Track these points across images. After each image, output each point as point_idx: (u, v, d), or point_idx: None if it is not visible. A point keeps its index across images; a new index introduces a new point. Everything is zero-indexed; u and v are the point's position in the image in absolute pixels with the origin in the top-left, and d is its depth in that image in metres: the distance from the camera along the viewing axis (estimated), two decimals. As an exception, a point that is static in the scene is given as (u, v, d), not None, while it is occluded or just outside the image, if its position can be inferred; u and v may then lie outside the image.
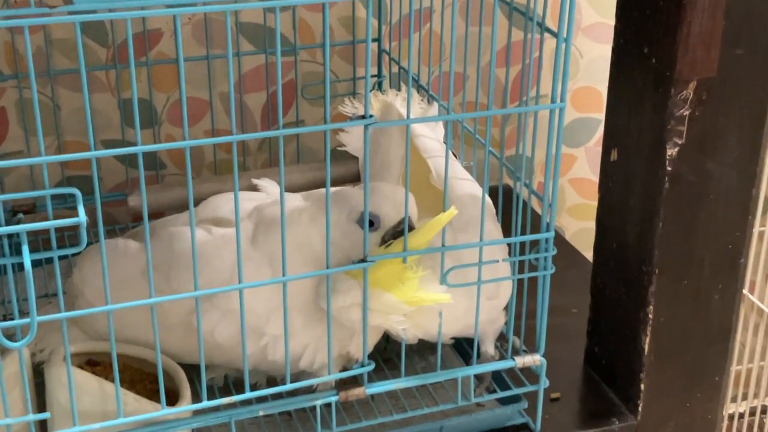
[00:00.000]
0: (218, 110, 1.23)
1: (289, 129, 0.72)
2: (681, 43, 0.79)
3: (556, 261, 0.84)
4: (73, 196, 0.65)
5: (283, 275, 0.76)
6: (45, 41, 1.11)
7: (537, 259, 0.84)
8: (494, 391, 0.91)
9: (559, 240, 0.84)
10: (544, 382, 0.88)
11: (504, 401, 0.91)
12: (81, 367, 0.83)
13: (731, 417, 1.51)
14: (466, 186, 0.92)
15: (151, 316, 0.74)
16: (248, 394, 0.79)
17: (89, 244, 0.86)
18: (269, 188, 0.96)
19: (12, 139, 1.18)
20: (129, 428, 0.78)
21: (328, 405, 0.83)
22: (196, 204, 0.89)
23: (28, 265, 0.66)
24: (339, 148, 1.04)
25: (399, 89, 1.10)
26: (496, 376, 0.92)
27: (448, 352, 0.98)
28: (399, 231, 0.80)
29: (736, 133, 0.85)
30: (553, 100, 0.77)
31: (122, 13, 0.63)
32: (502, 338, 0.94)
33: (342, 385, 0.83)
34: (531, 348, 0.89)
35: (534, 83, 1.23)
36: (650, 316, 0.89)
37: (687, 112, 0.82)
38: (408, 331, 0.84)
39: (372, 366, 0.82)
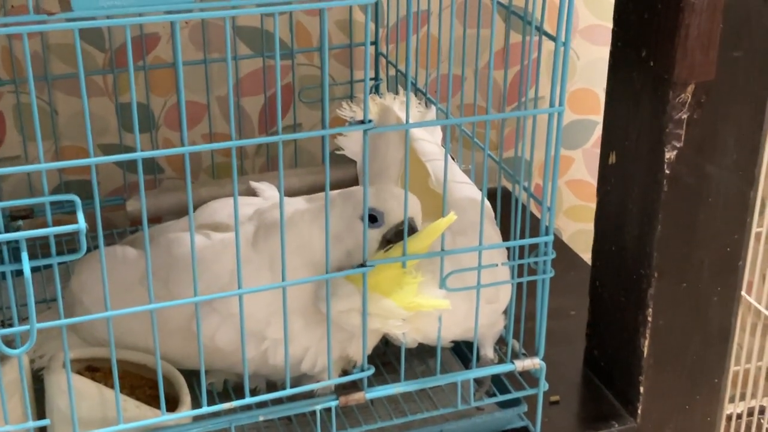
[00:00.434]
0: (215, 114, 1.22)
1: (289, 134, 0.72)
2: (679, 46, 0.80)
3: (553, 264, 0.84)
4: (69, 201, 0.65)
5: (283, 280, 0.76)
6: (42, 46, 1.11)
7: (536, 263, 0.84)
8: (494, 395, 0.91)
9: (557, 242, 0.84)
10: (544, 386, 0.88)
11: (503, 405, 0.91)
12: (80, 373, 0.83)
13: (729, 418, 1.51)
14: (465, 190, 0.92)
15: (150, 322, 0.74)
16: (248, 400, 0.79)
17: (87, 250, 0.86)
18: (267, 192, 0.96)
19: (9, 144, 1.17)
20: (129, 434, 0.77)
21: (328, 410, 0.83)
22: (194, 209, 0.88)
23: (27, 272, 0.66)
24: (337, 152, 1.04)
25: (396, 92, 1.10)
26: (496, 379, 0.92)
27: (448, 355, 0.98)
28: (401, 230, 0.80)
29: (735, 136, 0.85)
30: (552, 104, 0.78)
31: (121, 20, 0.63)
32: (501, 342, 0.94)
33: (342, 389, 0.83)
34: (530, 351, 0.89)
35: (532, 86, 1.23)
36: (649, 318, 0.89)
37: (685, 115, 0.82)
38: (407, 335, 0.84)
39: (372, 370, 0.82)
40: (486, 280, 0.83)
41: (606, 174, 0.93)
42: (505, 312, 0.91)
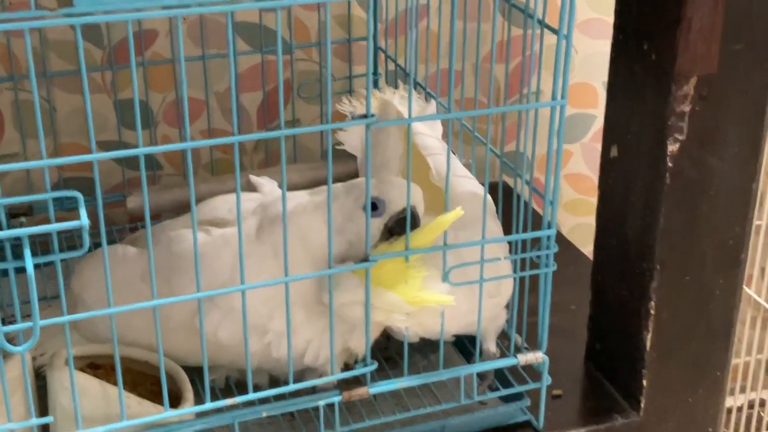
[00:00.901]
0: (214, 110, 1.22)
1: (291, 129, 0.72)
2: (682, 39, 0.79)
3: (554, 258, 0.84)
4: (69, 198, 0.65)
5: (286, 275, 0.76)
6: (41, 43, 1.11)
7: (538, 257, 0.84)
8: (497, 389, 0.91)
9: (557, 236, 0.84)
10: (547, 379, 0.88)
11: (506, 399, 0.91)
12: (82, 370, 0.82)
13: (728, 410, 1.51)
14: (467, 184, 0.92)
15: (151, 318, 0.74)
16: (251, 395, 0.79)
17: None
18: (267, 186, 0.95)
19: (8, 141, 1.17)
20: (132, 431, 0.77)
21: (331, 405, 0.83)
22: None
23: (30, 269, 0.65)
24: (337, 147, 1.04)
25: (396, 86, 1.09)
26: (498, 373, 0.92)
27: (450, 350, 0.98)
28: (403, 219, 0.79)
29: (737, 129, 0.85)
30: (554, 97, 0.77)
31: (123, 15, 0.63)
32: (502, 336, 0.94)
33: (345, 385, 0.83)
34: (532, 345, 0.89)
35: (533, 79, 1.23)
36: (652, 312, 0.89)
37: (687, 108, 0.82)
38: (410, 329, 0.84)
39: (375, 366, 0.82)
40: (488, 275, 0.83)
41: (607, 167, 0.93)
42: (507, 306, 0.91)
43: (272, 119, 1.24)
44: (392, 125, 0.93)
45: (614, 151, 0.91)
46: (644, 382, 0.92)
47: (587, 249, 1.19)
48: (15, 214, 0.99)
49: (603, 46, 1.33)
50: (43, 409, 0.80)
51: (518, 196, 0.84)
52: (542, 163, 0.91)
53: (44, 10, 0.62)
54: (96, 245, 0.74)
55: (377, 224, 0.81)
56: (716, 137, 0.84)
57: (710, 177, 0.86)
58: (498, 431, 0.90)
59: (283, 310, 0.77)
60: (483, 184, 0.84)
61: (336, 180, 1.00)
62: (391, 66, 1.14)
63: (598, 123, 1.39)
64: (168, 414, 0.77)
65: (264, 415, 0.81)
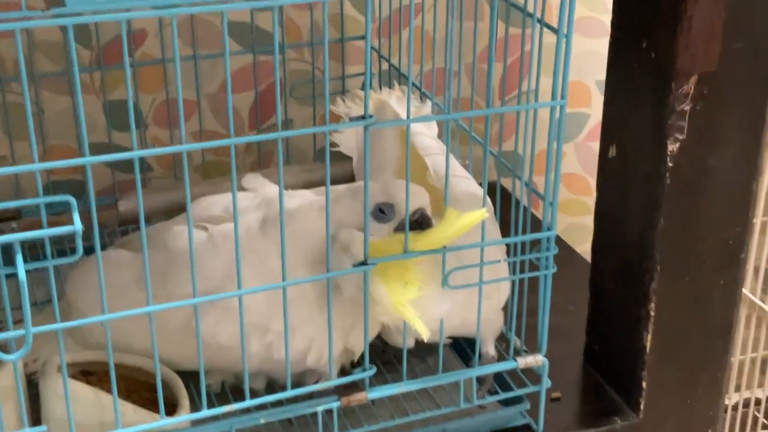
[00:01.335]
0: (204, 111, 1.21)
1: (289, 131, 0.70)
2: (682, 37, 0.78)
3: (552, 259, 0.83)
4: (61, 202, 0.64)
5: (283, 280, 0.75)
6: (29, 43, 1.09)
7: (537, 259, 0.83)
8: (496, 393, 0.90)
9: (555, 238, 0.83)
10: (546, 383, 0.87)
11: (506, 403, 0.90)
12: (75, 377, 0.81)
13: (724, 409, 1.51)
14: (465, 184, 0.91)
15: (147, 323, 0.72)
16: (248, 402, 0.78)
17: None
18: (259, 188, 0.94)
19: (-5, 144, 1.15)
20: (127, 440, 0.76)
21: (329, 411, 0.81)
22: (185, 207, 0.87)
23: (22, 275, 0.64)
24: (332, 149, 1.03)
25: (390, 86, 1.08)
26: (498, 377, 0.91)
27: (448, 353, 0.96)
28: (415, 221, 0.79)
29: (737, 128, 0.84)
30: (553, 97, 0.76)
31: (115, 15, 0.62)
32: (500, 339, 0.93)
33: (343, 390, 0.82)
34: (530, 348, 0.88)
35: (528, 79, 1.22)
36: (652, 313, 0.88)
37: (688, 107, 0.81)
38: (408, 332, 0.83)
39: (373, 370, 0.81)
40: (486, 277, 0.82)
41: (606, 167, 0.92)
42: (504, 308, 0.90)
43: (264, 120, 1.23)
44: (389, 126, 0.92)
45: (613, 151, 0.90)
46: (644, 384, 0.91)
47: (581, 249, 1.18)
48: (3, 219, 0.98)
49: (596, 45, 1.32)
50: (35, 417, 0.79)
51: (516, 201, 0.83)
52: (538, 164, 0.90)
53: (34, 11, 0.60)
54: (87, 249, 0.72)
55: (387, 230, 0.80)
56: (716, 136, 0.83)
57: (710, 176, 0.85)
58: (497, 435, 0.89)
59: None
60: (481, 185, 0.83)
61: (331, 182, 1.00)
62: (385, 66, 1.13)
63: (592, 122, 1.38)
64: (164, 422, 0.76)
65: (262, 421, 0.80)
